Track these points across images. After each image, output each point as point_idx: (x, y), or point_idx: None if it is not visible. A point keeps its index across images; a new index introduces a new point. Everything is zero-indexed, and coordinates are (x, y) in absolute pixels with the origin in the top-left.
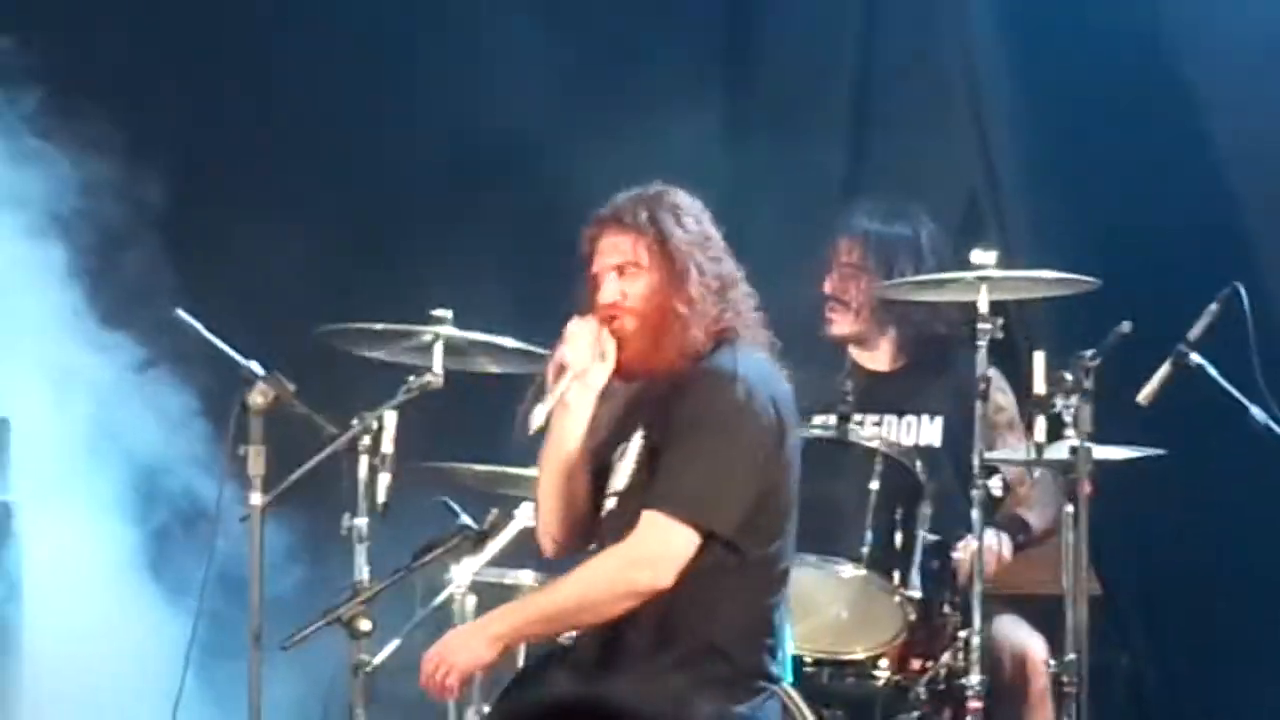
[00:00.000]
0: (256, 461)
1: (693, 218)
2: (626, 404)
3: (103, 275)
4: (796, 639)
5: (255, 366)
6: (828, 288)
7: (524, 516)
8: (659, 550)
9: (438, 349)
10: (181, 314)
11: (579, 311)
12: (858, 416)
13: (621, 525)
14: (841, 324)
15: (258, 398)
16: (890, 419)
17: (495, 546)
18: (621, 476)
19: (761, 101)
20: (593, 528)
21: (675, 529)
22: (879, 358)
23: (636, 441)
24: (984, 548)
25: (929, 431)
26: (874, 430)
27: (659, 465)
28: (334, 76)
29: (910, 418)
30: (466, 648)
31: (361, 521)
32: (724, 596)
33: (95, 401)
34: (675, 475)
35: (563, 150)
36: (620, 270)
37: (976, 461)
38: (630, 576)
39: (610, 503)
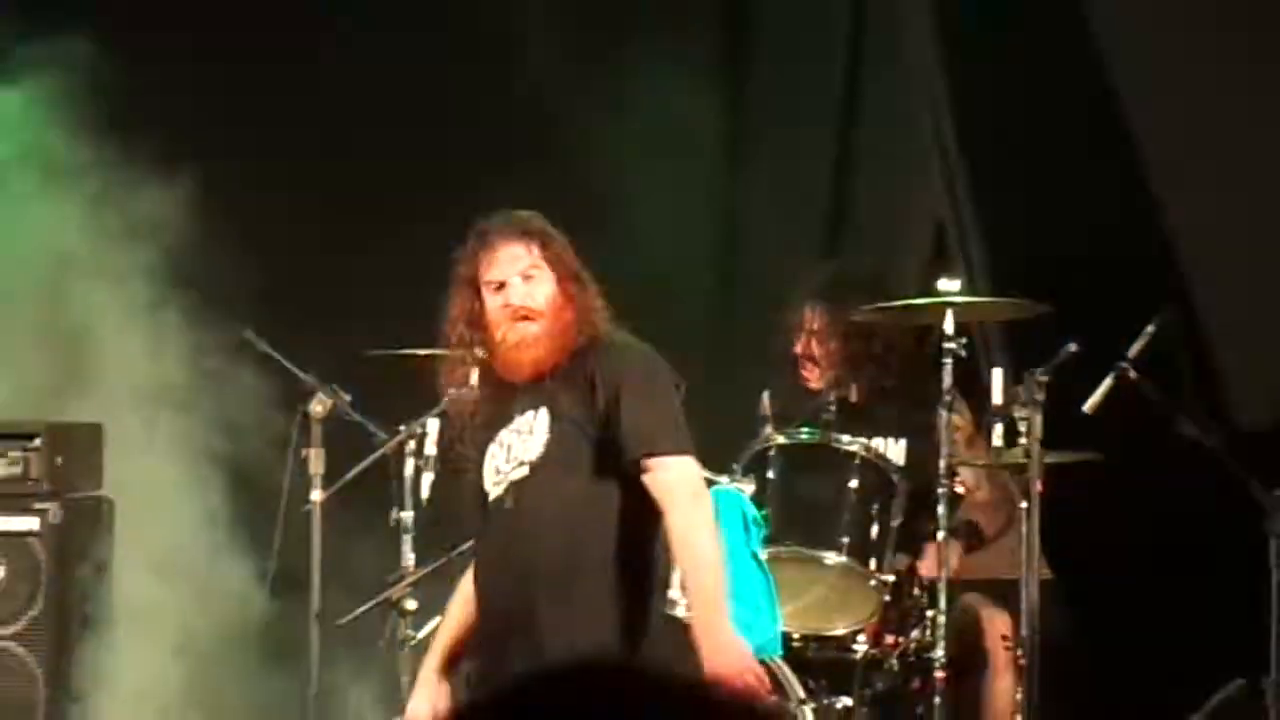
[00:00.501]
0: (316, 462)
1: (555, 232)
2: (505, 394)
3: (185, 292)
4: (785, 618)
5: (314, 380)
6: (799, 349)
7: None
8: (692, 480)
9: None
10: (249, 335)
11: (466, 319)
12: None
13: (539, 489)
14: (814, 380)
15: (317, 407)
16: (861, 441)
17: None
18: (530, 450)
19: (757, 148)
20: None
21: (683, 460)
22: (850, 394)
23: (541, 418)
24: (940, 558)
25: (894, 451)
26: (852, 438)
27: (629, 421)
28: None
29: (878, 440)
30: (740, 647)
31: (407, 515)
32: (656, 525)
33: (179, 408)
34: (653, 421)
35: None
36: (525, 276)
37: (943, 464)
38: (706, 513)
39: (518, 473)
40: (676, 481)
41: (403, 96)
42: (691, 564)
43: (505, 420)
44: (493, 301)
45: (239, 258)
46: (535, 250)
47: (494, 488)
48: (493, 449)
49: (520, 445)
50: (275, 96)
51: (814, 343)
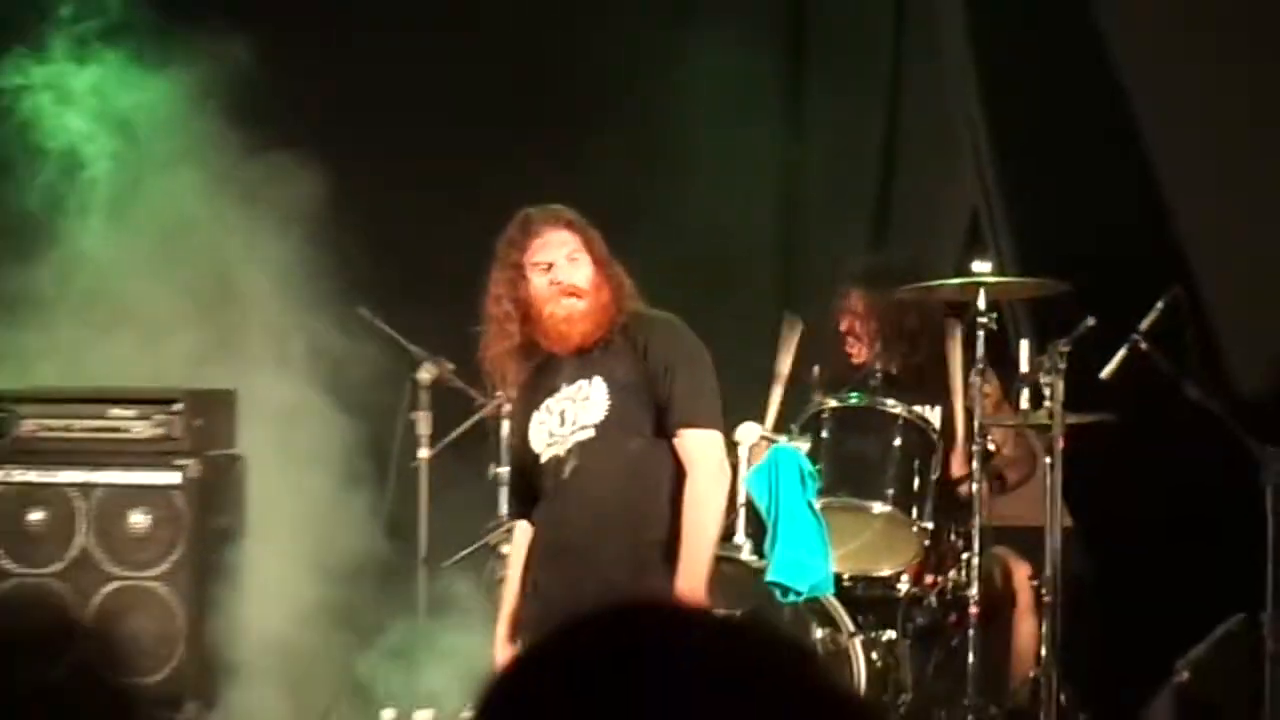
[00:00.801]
0: (424, 424)
1: (588, 223)
2: (559, 364)
3: (306, 269)
4: (836, 560)
5: (422, 351)
6: (844, 327)
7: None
8: (718, 456)
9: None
10: (362, 311)
11: (510, 297)
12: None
13: (604, 447)
14: (859, 355)
15: (424, 375)
16: (904, 404)
17: None
18: (592, 415)
19: (811, 146)
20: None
21: (713, 434)
22: (891, 367)
23: (598, 386)
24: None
25: (932, 416)
26: (895, 402)
27: (678, 393)
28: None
29: (917, 407)
30: (700, 593)
31: (503, 470)
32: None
33: (303, 375)
34: (697, 395)
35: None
36: (569, 259)
37: (977, 425)
38: (723, 486)
39: (582, 434)
40: (705, 453)
41: (499, 89)
42: (696, 524)
43: (551, 389)
44: (540, 280)
45: (361, 239)
46: (576, 237)
47: (549, 449)
48: (539, 415)
49: (577, 410)
50: (397, 91)
51: (857, 322)
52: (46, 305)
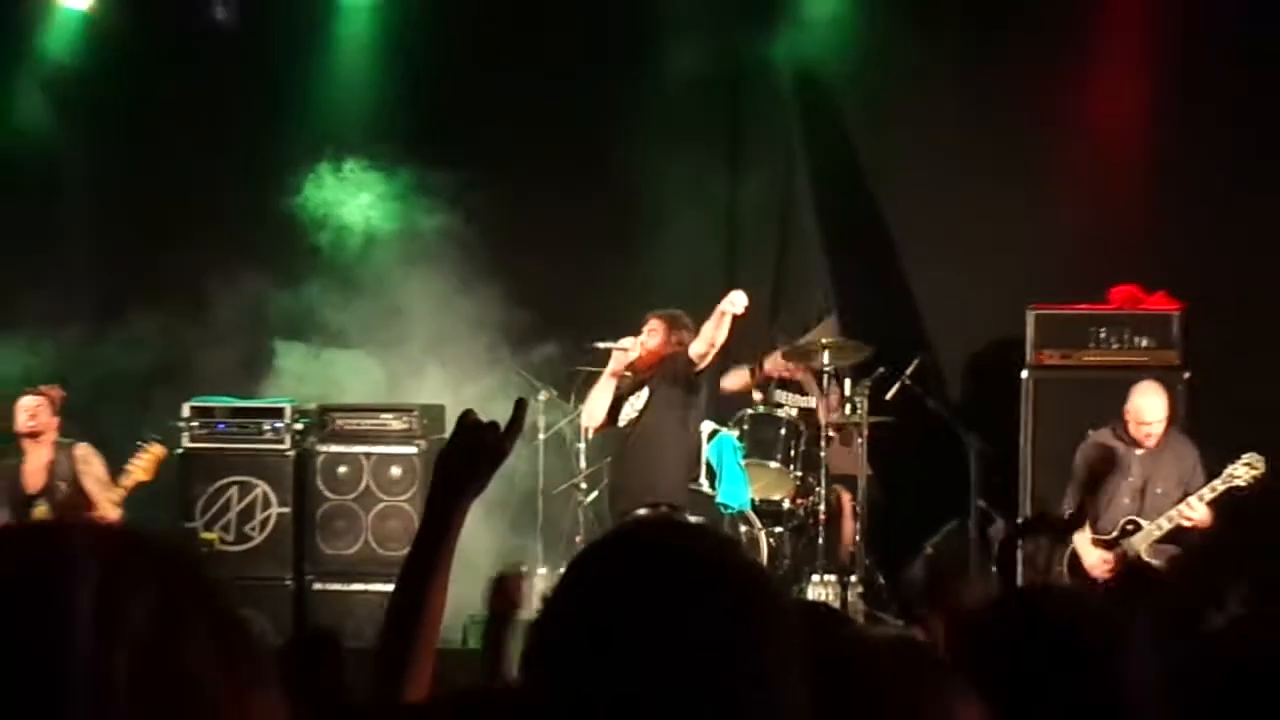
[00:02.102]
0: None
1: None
2: (626, 380)
3: (478, 303)
4: (752, 492)
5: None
6: (768, 365)
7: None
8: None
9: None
10: (599, 344)
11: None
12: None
13: (642, 433)
14: (773, 371)
15: (544, 396)
16: (789, 403)
17: None
18: (637, 406)
19: (741, 215)
20: (612, 422)
21: None
22: (788, 377)
23: (645, 392)
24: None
25: (809, 403)
26: (788, 400)
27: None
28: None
29: (802, 398)
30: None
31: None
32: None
33: (479, 388)
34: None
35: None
36: (654, 329)
37: (823, 420)
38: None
39: (632, 414)
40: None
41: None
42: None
43: (636, 392)
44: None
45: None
46: (655, 323)
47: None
48: (631, 399)
49: (631, 402)
50: (562, 127)
51: (779, 359)
52: (343, 342)
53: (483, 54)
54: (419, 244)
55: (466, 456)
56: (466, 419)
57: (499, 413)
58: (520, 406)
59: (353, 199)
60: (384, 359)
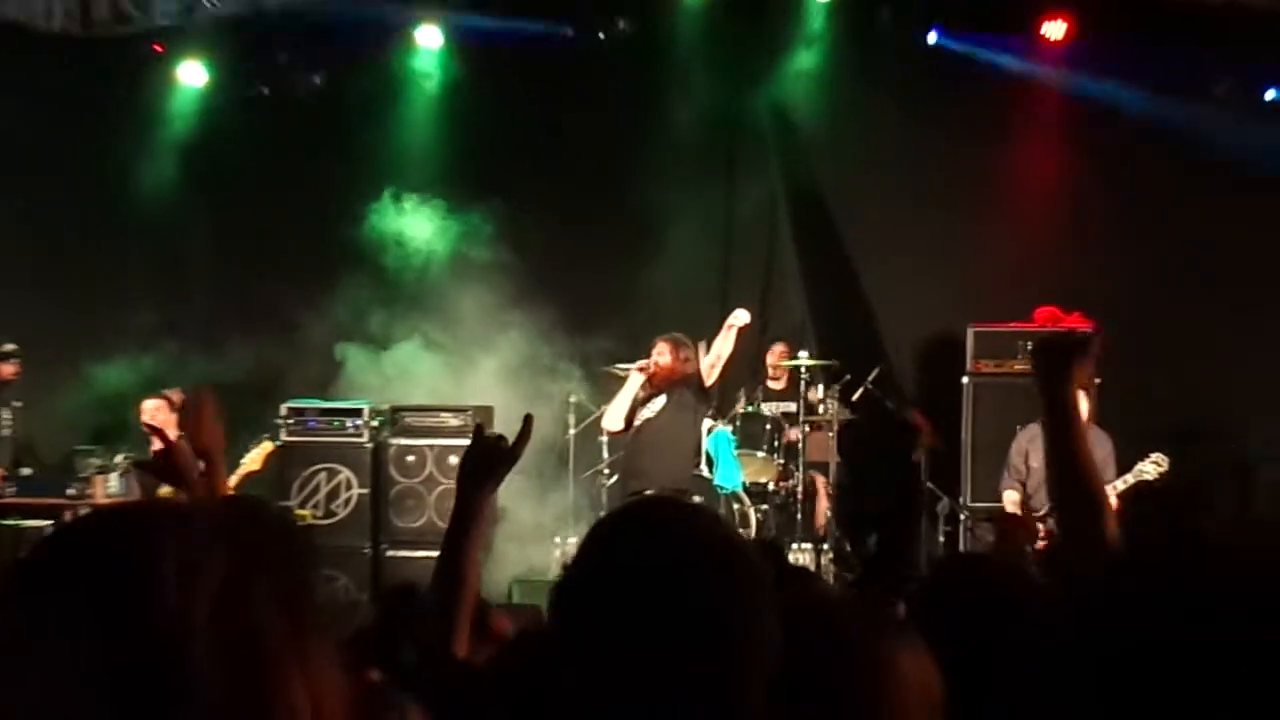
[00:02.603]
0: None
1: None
2: (642, 392)
3: (532, 317)
4: (743, 476)
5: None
6: (769, 373)
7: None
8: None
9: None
10: (618, 367)
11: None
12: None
13: (658, 429)
14: (775, 382)
15: (573, 398)
16: (772, 406)
17: None
18: (655, 408)
19: (735, 239)
20: (628, 428)
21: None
22: (775, 386)
23: (661, 399)
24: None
25: (789, 406)
26: (770, 408)
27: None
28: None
29: (783, 404)
30: None
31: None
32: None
33: (532, 390)
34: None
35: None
36: (659, 353)
37: (802, 418)
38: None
39: (647, 416)
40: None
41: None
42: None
43: (656, 397)
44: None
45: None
46: (662, 345)
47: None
48: (649, 404)
49: (650, 406)
50: (586, 169)
51: (771, 368)
52: (405, 350)
53: (522, 108)
54: (469, 266)
55: (483, 461)
56: (481, 431)
57: (540, 410)
58: (528, 421)
59: (412, 228)
60: (441, 365)
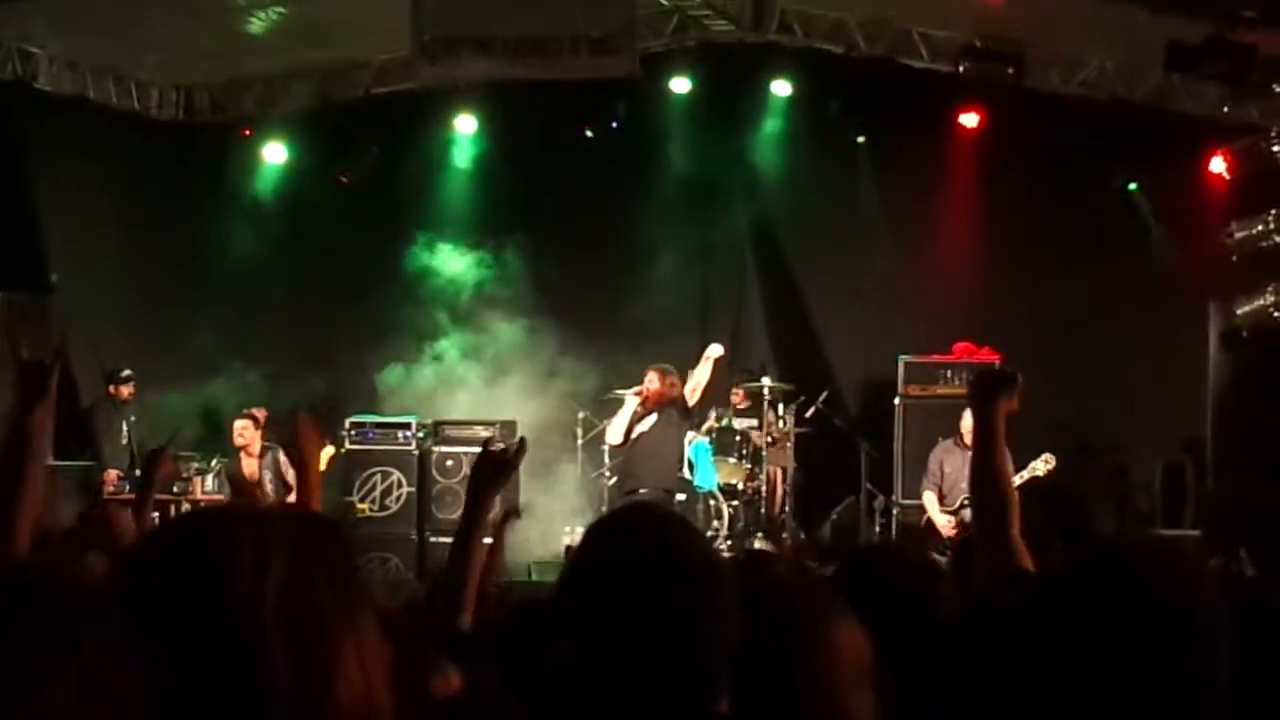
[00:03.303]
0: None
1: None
2: (638, 412)
3: (537, 344)
4: (718, 477)
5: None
6: (736, 397)
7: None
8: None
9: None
10: (618, 391)
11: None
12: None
13: (649, 441)
14: (738, 403)
15: (581, 414)
16: (744, 422)
17: None
18: (646, 426)
19: (711, 271)
20: (626, 441)
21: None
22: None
23: (652, 417)
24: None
25: (753, 421)
26: (741, 423)
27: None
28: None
29: (749, 420)
30: None
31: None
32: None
33: (548, 408)
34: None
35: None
36: (650, 379)
37: (766, 429)
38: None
39: (641, 430)
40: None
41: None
42: None
43: (649, 415)
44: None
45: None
46: (652, 375)
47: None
48: (643, 421)
49: (644, 423)
50: (598, 219)
51: (740, 393)
52: (443, 372)
53: (544, 167)
54: (496, 304)
55: (488, 469)
56: (488, 445)
57: (553, 424)
58: (523, 442)
59: (450, 272)
60: (474, 385)
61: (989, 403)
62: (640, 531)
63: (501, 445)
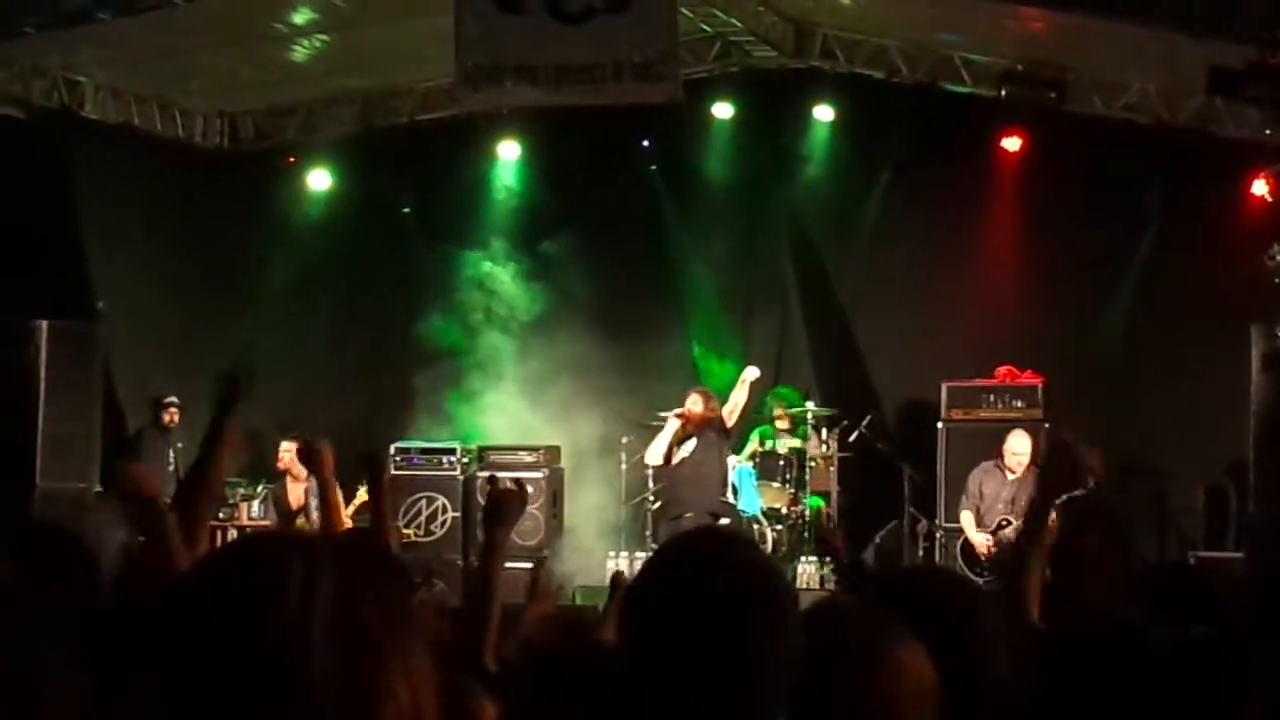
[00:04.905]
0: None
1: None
2: (678, 433)
3: (582, 373)
4: (761, 502)
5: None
6: (776, 414)
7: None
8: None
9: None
10: (662, 414)
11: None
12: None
13: (693, 465)
14: (782, 424)
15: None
16: (786, 444)
17: None
18: (689, 448)
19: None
20: (666, 463)
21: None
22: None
23: (694, 440)
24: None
25: (796, 444)
26: (783, 446)
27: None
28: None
29: (795, 441)
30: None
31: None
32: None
33: (582, 432)
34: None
35: None
36: (693, 401)
37: (810, 453)
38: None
39: (683, 454)
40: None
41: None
42: None
43: (689, 438)
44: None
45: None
46: (695, 396)
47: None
48: (684, 445)
49: (686, 446)
50: (637, 239)
51: (781, 415)
52: (489, 397)
53: (588, 192)
54: (540, 332)
55: (500, 507)
56: (496, 484)
57: (597, 449)
58: (521, 484)
59: (495, 299)
60: (518, 412)
61: (1055, 492)
62: (716, 557)
63: (510, 482)
